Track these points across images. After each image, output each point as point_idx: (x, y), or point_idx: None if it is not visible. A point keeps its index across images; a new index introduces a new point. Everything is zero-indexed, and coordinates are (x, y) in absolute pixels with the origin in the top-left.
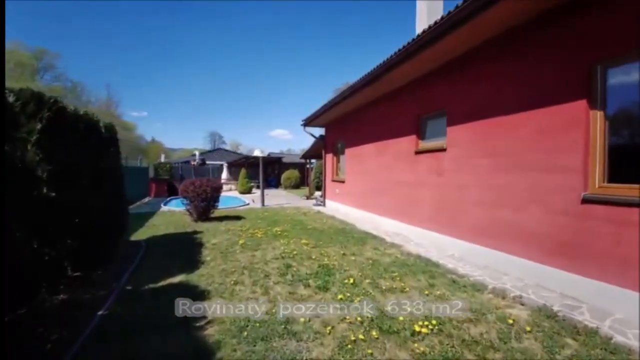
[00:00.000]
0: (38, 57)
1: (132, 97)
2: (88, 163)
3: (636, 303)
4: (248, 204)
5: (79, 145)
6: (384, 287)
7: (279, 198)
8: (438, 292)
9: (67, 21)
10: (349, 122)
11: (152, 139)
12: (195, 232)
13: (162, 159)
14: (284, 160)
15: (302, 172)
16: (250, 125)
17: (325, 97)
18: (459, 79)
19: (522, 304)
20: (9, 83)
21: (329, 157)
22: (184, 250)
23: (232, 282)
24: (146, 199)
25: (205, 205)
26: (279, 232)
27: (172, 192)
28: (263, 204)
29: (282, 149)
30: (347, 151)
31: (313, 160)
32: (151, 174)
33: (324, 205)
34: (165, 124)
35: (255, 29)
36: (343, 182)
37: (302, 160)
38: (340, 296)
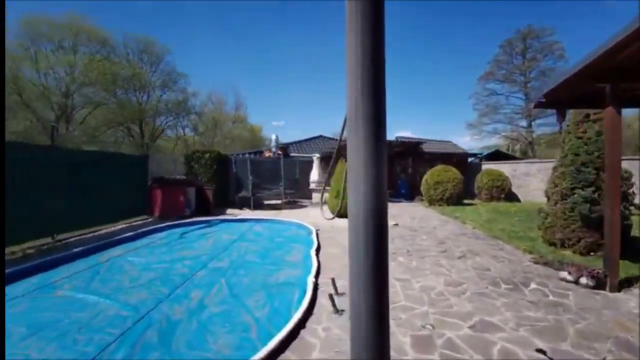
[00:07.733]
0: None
1: (273, 109)
2: None
3: None
4: None
5: None
6: None
7: (469, 286)
8: None
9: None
10: None
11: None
12: None
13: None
14: (424, 147)
15: (463, 171)
16: None
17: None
18: None
19: None
20: None
21: None
22: None
23: None
24: (120, 225)
25: None
26: None
27: (201, 205)
28: None
29: None
30: None
31: (481, 155)
32: (170, 173)
33: None
34: (297, 131)
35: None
36: None
37: (458, 150)
38: None
